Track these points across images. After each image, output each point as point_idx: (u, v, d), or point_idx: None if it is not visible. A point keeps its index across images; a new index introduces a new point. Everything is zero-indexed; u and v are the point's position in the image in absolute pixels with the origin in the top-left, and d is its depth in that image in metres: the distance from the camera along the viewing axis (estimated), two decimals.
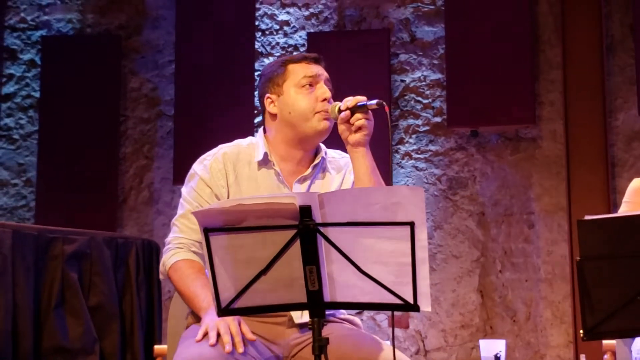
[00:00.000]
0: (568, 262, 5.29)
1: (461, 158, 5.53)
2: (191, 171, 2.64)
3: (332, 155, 2.73)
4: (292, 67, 2.65)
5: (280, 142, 2.64)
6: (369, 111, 2.53)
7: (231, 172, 2.60)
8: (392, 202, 1.94)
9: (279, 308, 2.07)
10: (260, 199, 2.01)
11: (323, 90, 2.61)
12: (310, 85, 2.62)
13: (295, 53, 5.71)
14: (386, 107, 2.48)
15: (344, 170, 2.69)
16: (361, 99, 2.53)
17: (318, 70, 2.65)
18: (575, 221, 2.19)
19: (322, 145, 2.73)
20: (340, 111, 2.54)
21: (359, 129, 2.52)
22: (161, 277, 2.61)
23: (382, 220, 1.94)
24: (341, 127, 2.54)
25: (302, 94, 2.61)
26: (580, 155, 5.35)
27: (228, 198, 2.57)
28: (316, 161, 2.65)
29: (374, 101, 2.51)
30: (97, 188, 5.72)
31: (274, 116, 2.65)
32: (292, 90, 2.62)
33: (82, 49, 5.94)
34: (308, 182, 2.63)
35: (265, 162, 2.61)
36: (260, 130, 2.72)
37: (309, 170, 2.63)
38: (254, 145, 2.66)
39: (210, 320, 2.32)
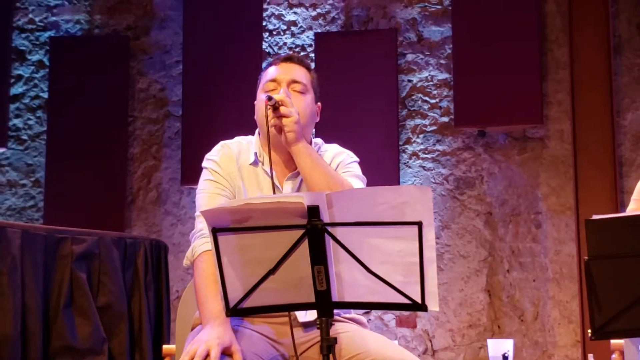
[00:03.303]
0: (576, 261, 5.28)
1: (468, 158, 5.53)
2: (203, 170, 2.64)
3: (325, 148, 2.71)
4: (267, 70, 2.65)
5: (263, 144, 2.64)
6: (279, 108, 2.44)
7: (236, 161, 2.61)
8: (400, 201, 1.94)
9: (287, 308, 2.08)
10: (268, 198, 2.02)
11: (277, 94, 2.53)
12: (274, 88, 2.59)
13: (302, 53, 5.72)
14: (266, 101, 2.42)
15: (328, 162, 2.64)
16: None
17: (283, 72, 2.61)
18: (583, 221, 2.19)
19: (318, 140, 2.72)
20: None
21: (279, 130, 2.49)
22: (186, 262, 2.55)
23: (390, 219, 1.94)
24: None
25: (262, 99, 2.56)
26: (588, 155, 5.34)
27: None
28: None
29: (264, 96, 2.44)
30: (105, 188, 5.73)
31: None
32: (259, 95, 2.63)
33: (90, 49, 5.94)
34: (299, 178, 2.59)
35: (256, 162, 2.61)
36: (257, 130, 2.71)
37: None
38: (251, 143, 2.66)
39: (198, 339, 2.28)
